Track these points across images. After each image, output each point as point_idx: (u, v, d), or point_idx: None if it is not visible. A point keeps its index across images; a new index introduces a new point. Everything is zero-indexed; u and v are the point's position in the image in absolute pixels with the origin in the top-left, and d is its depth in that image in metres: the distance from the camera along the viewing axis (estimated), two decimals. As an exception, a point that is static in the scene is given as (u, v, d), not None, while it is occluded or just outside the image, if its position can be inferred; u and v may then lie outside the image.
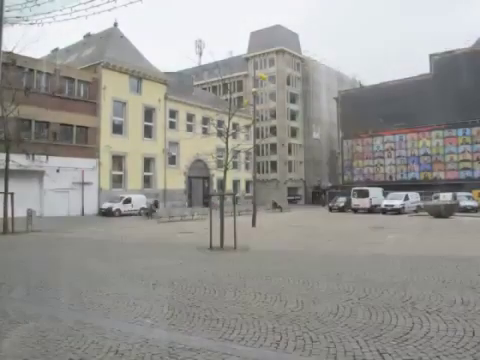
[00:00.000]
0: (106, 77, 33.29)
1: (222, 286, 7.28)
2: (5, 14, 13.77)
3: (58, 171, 29.08)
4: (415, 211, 31.32)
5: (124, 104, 35.16)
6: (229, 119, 14.33)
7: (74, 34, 58.06)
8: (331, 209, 35.60)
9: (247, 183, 47.71)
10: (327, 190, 49.07)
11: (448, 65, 40.78)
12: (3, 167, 17.91)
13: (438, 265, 8.78)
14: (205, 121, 38.33)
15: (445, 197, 30.17)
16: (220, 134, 15.98)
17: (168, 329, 5.07)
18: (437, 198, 30.96)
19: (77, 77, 31.82)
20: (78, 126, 31.34)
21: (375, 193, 34.22)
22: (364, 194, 33.46)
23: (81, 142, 31.68)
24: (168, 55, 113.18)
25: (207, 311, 5.74)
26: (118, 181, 34.75)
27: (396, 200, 31.35)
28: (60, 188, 29.02)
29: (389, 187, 37.21)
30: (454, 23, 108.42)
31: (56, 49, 44.16)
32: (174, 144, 39.34)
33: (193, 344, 4.48)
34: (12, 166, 18.60)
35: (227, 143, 14.13)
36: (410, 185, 39.55)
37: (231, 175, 36.50)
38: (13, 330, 5.02)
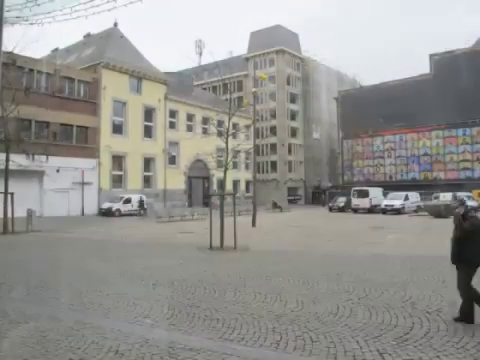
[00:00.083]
0: (106, 77, 33.27)
1: (222, 286, 7.28)
2: (5, 14, 13.80)
3: (58, 171, 29.05)
4: (415, 211, 31.30)
5: (124, 104, 35.14)
6: (229, 119, 14.35)
7: (74, 34, 58.07)
8: (331, 209, 35.59)
9: (247, 183, 47.69)
10: (327, 190, 49.07)
11: (448, 65, 40.77)
12: (3, 167, 17.91)
13: (438, 265, 8.77)
14: (205, 121, 38.29)
15: (445, 197, 30.12)
16: (220, 134, 16.01)
17: (168, 329, 5.07)
18: (437, 198, 30.92)
19: (77, 77, 31.80)
20: (78, 126, 31.32)
21: (375, 193, 34.21)
22: (364, 194, 33.46)
23: (81, 142, 31.66)
24: (168, 55, 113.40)
25: (207, 311, 5.74)
26: (118, 181, 34.73)
27: (396, 200, 31.35)
28: (60, 188, 29.00)
29: (389, 187, 37.19)
30: (454, 23, 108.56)
31: (56, 49, 44.13)
32: (174, 144, 39.32)
33: (193, 344, 4.48)
34: (12, 166, 18.60)
35: (227, 143, 14.15)
36: (410, 185, 39.53)
37: (231, 175, 36.46)
38: (13, 330, 5.02)
